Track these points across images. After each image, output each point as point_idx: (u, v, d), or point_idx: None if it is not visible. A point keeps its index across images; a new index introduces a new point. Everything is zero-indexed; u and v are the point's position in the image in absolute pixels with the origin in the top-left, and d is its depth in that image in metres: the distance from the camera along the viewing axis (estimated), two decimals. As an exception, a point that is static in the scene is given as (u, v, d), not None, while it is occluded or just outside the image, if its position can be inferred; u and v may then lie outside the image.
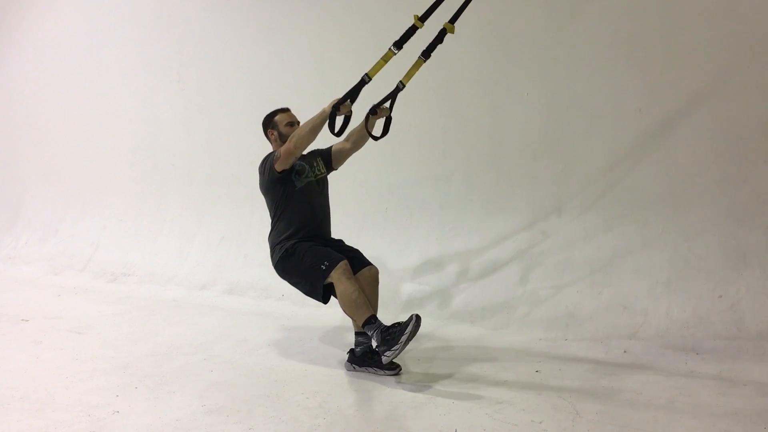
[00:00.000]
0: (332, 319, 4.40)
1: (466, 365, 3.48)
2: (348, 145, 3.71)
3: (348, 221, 4.64)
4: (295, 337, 4.18)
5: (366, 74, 3.36)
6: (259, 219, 5.56)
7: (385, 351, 3.21)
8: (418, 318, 3.18)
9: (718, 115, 3.75)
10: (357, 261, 3.57)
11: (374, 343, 3.27)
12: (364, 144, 3.71)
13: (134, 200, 6.53)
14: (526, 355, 3.59)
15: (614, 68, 4.04)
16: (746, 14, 3.65)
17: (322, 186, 3.71)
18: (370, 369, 3.41)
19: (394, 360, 3.29)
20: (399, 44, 3.34)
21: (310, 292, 3.56)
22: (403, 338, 3.14)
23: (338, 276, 3.36)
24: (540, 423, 2.70)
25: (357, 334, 3.50)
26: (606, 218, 4.06)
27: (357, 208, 4.89)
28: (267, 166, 3.56)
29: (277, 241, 3.61)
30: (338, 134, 3.46)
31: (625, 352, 3.51)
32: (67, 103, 7.17)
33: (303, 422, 2.84)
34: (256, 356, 3.81)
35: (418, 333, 3.23)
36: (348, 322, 3.76)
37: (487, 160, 4.52)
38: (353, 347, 3.52)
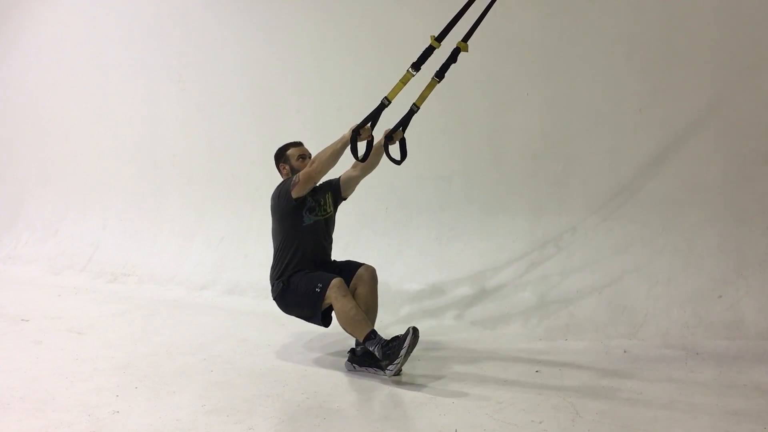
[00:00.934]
0: (332, 319, 4.40)
1: (466, 365, 3.48)
2: (356, 172, 3.70)
3: (348, 221, 4.63)
4: (295, 337, 4.18)
5: (385, 97, 3.33)
6: (259, 219, 5.55)
7: (388, 365, 3.25)
8: (415, 330, 3.22)
9: (719, 115, 3.75)
10: (350, 267, 3.59)
11: (377, 356, 3.30)
12: (372, 169, 3.69)
13: (134, 200, 6.53)
14: (526, 355, 3.59)
15: (615, 68, 4.04)
16: (746, 14, 3.65)
17: (329, 225, 3.70)
18: (370, 369, 3.41)
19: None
20: (417, 65, 3.33)
21: (311, 317, 3.56)
22: (403, 351, 3.20)
23: (334, 295, 3.36)
24: (540, 423, 2.70)
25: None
26: (606, 218, 4.06)
27: (357, 207, 4.88)
28: (282, 192, 3.55)
29: (275, 277, 3.63)
30: (363, 159, 3.45)
31: (625, 352, 3.51)
32: (67, 103, 7.17)
33: (303, 422, 2.84)
34: (256, 356, 3.81)
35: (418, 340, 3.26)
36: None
37: (487, 160, 4.52)
38: (353, 347, 3.52)
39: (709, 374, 3.14)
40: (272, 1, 5.52)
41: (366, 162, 3.56)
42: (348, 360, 3.52)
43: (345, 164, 3.57)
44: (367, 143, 3.43)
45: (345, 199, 3.78)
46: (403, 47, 4.71)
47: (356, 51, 4.98)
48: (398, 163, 3.50)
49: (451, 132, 4.66)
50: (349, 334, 3.45)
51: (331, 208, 3.69)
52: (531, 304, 4.06)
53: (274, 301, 3.68)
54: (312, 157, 3.52)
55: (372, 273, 3.58)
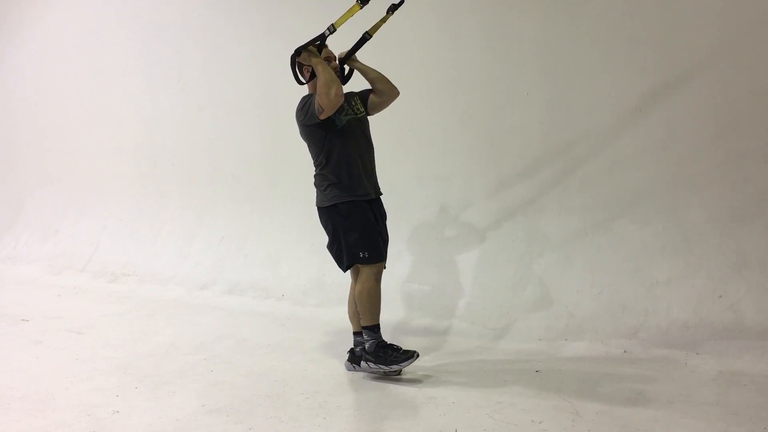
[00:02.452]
0: (332, 319, 4.40)
1: (466, 365, 3.48)
2: (375, 96, 3.55)
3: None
4: (295, 337, 4.18)
5: (332, 24, 3.43)
6: (259, 219, 5.57)
7: (370, 362, 3.29)
8: (417, 356, 3.27)
9: (719, 115, 3.75)
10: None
11: (366, 347, 3.33)
12: (389, 90, 3.52)
13: (134, 200, 6.53)
14: (526, 355, 3.59)
15: (614, 68, 4.04)
16: (746, 15, 3.65)
17: (364, 125, 3.53)
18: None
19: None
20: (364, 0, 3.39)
21: (335, 256, 3.47)
22: (394, 367, 3.26)
23: (371, 273, 3.34)
24: (540, 423, 2.70)
25: (356, 334, 3.51)
26: (606, 218, 4.06)
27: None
28: (309, 112, 3.36)
29: (327, 184, 3.42)
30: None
31: (625, 352, 3.52)
32: (67, 103, 7.17)
33: (303, 422, 2.84)
34: (256, 356, 3.81)
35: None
36: (348, 322, 3.76)
37: (487, 160, 4.52)
38: (353, 347, 3.53)
39: (709, 374, 3.15)
40: (272, 1, 5.52)
41: (380, 91, 3.50)
42: (348, 360, 3.52)
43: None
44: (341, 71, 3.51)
45: (371, 115, 3.61)
46: (403, 47, 4.72)
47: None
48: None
49: (451, 132, 4.66)
50: (359, 311, 3.39)
51: (362, 109, 3.54)
52: (531, 304, 4.06)
53: (315, 206, 3.52)
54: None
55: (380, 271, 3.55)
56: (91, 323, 4.68)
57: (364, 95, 3.59)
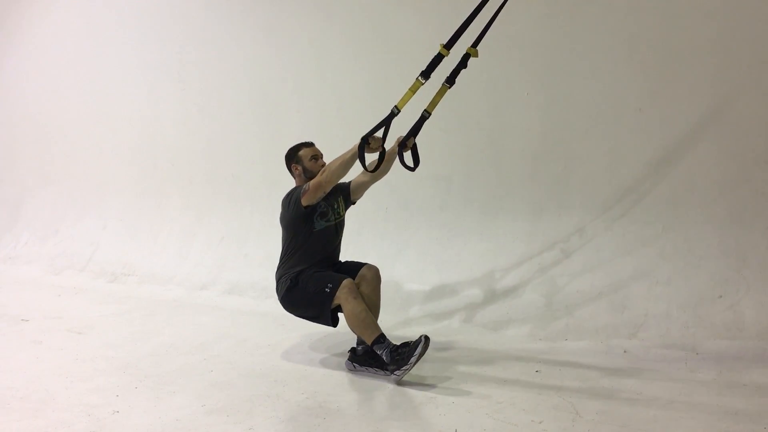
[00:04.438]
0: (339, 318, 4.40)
1: (466, 365, 3.48)
2: (367, 178, 3.67)
3: (348, 221, 4.64)
4: (295, 337, 4.18)
5: (395, 106, 3.29)
6: (259, 219, 5.57)
7: (395, 370, 3.24)
8: (426, 339, 3.21)
9: (719, 115, 3.75)
10: (354, 267, 3.60)
11: (383, 359, 3.29)
12: (383, 176, 3.66)
13: (134, 200, 6.53)
14: (526, 355, 3.59)
15: (614, 68, 4.04)
16: (746, 14, 3.65)
17: (339, 229, 3.70)
18: (370, 369, 3.41)
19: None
20: (426, 74, 3.30)
21: (318, 317, 3.53)
22: (413, 359, 3.19)
23: (344, 296, 3.35)
24: (540, 423, 2.70)
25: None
26: (606, 218, 4.06)
27: (357, 207, 4.87)
28: (293, 200, 3.52)
29: (282, 276, 3.61)
30: (373, 170, 3.46)
31: (625, 352, 3.51)
32: (67, 102, 7.17)
33: (303, 422, 2.84)
34: (256, 356, 3.81)
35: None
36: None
37: (487, 160, 4.52)
38: (355, 345, 3.52)
39: (709, 374, 3.15)
40: (272, 1, 5.52)
41: (376, 178, 3.62)
42: (348, 359, 3.52)
43: (355, 170, 3.57)
44: (380, 153, 3.39)
45: (354, 203, 3.78)
46: (403, 46, 4.72)
47: (356, 51, 4.98)
48: (412, 170, 3.46)
49: (451, 132, 4.65)
50: (358, 335, 3.44)
51: (343, 212, 3.70)
52: (531, 304, 4.06)
53: (279, 302, 3.66)
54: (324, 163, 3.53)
55: (375, 273, 3.59)
56: (91, 323, 4.68)
57: (345, 190, 3.71)
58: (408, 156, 3.47)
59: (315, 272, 3.51)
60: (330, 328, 3.63)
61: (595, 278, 3.97)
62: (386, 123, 3.31)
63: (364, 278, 3.54)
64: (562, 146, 4.23)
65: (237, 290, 5.25)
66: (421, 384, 3.22)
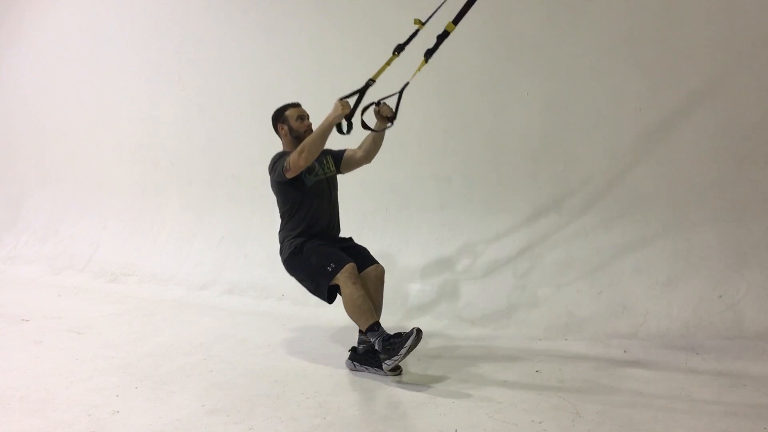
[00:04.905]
0: (332, 318, 4.40)
1: (466, 365, 3.48)
2: (359, 153, 3.68)
3: (348, 221, 4.64)
4: (295, 337, 4.18)
5: (370, 78, 3.39)
6: (259, 219, 5.57)
7: (386, 359, 3.26)
8: (419, 332, 3.22)
9: (718, 114, 3.75)
10: (363, 259, 3.58)
11: (376, 348, 3.31)
12: (375, 155, 3.68)
13: (134, 200, 6.53)
14: (526, 355, 3.59)
15: (614, 68, 4.04)
16: (746, 14, 3.65)
17: (332, 185, 3.68)
18: (370, 369, 3.41)
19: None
20: (400, 48, 3.39)
21: (314, 291, 3.55)
22: (403, 351, 3.20)
23: (344, 279, 3.35)
24: (540, 423, 2.70)
25: (361, 332, 3.50)
26: (606, 218, 4.06)
27: (357, 207, 4.89)
28: (278, 170, 3.50)
29: (286, 237, 3.61)
30: (347, 132, 3.45)
31: (625, 352, 3.51)
32: (67, 103, 7.17)
33: (303, 422, 2.84)
34: (256, 356, 3.81)
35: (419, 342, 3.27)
36: (349, 321, 3.76)
37: (488, 160, 4.52)
38: (356, 345, 3.53)
39: (709, 374, 3.14)
40: (272, 1, 5.52)
41: (368, 149, 3.62)
42: (349, 358, 3.52)
43: (353, 143, 3.62)
44: (349, 122, 3.46)
45: (342, 173, 3.76)
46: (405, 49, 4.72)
47: (356, 51, 4.98)
48: (374, 130, 3.50)
49: (451, 132, 4.65)
50: (354, 321, 3.43)
51: (333, 168, 3.68)
52: (531, 304, 4.06)
53: (282, 263, 3.64)
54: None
55: (380, 273, 3.58)
56: (91, 323, 4.68)
57: (338, 155, 3.71)
58: (373, 122, 3.52)
59: (320, 246, 3.49)
60: (330, 321, 3.62)
61: (595, 278, 3.97)
62: (361, 92, 3.43)
63: (368, 277, 3.53)
64: (562, 146, 4.23)
65: (237, 290, 5.25)
66: (421, 384, 3.22)
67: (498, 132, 4.47)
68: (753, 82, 3.65)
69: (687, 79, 3.84)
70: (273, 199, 5.74)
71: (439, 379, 3.27)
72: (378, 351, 3.30)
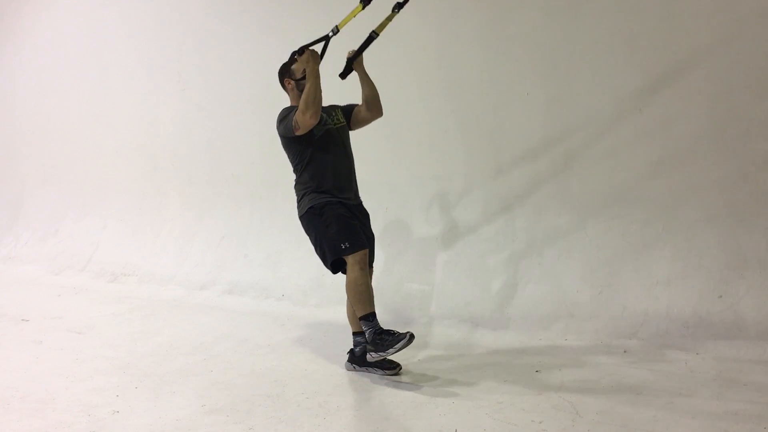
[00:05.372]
0: (332, 319, 4.40)
1: (466, 365, 3.48)
2: (363, 109, 3.61)
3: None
4: (295, 337, 4.18)
5: (335, 26, 3.47)
6: (259, 219, 5.57)
7: (372, 351, 3.27)
8: (411, 337, 3.21)
9: (718, 115, 3.75)
10: (369, 249, 3.53)
11: (366, 338, 3.32)
12: (376, 105, 3.59)
13: (134, 200, 6.53)
14: (526, 355, 3.59)
15: (614, 68, 4.04)
16: (746, 14, 3.65)
17: (343, 135, 3.57)
18: (370, 369, 3.42)
19: (392, 359, 3.34)
20: (366, 1, 3.44)
21: (320, 256, 3.50)
22: (390, 351, 3.20)
23: (354, 262, 3.33)
24: (540, 423, 2.70)
25: (355, 334, 3.51)
26: (606, 218, 4.06)
27: (357, 208, 4.89)
28: (287, 126, 3.41)
29: (304, 192, 3.50)
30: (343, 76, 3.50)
31: (625, 352, 3.51)
32: (67, 103, 7.17)
33: (303, 422, 2.84)
34: (256, 356, 3.81)
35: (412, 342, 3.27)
36: (347, 322, 3.76)
37: (487, 160, 4.51)
38: (353, 347, 3.53)
39: (709, 374, 3.14)
40: (272, 1, 5.52)
41: (366, 99, 3.58)
42: (348, 360, 3.52)
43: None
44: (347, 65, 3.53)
45: (351, 129, 3.67)
46: (402, 46, 4.72)
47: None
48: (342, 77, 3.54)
49: (451, 132, 4.65)
50: (351, 304, 3.42)
51: (343, 119, 3.59)
52: (531, 304, 4.06)
53: (299, 218, 3.56)
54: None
55: (370, 277, 3.54)
56: (91, 323, 4.68)
57: (347, 109, 3.65)
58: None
59: (343, 217, 3.40)
60: (330, 321, 3.62)
61: (595, 278, 3.97)
62: (326, 39, 3.49)
63: None
64: (562, 146, 4.23)
65: (237, 290, 5.25)
66: (421, 384, 3.22)
67: (498, 132, 4.47)
68: (753, 81, 3.65)
69: (687, 79, 3.83)
70: (273, 199, 5.76)
71: (439, 379, 3.27)
72: (368, 341, 3.30)
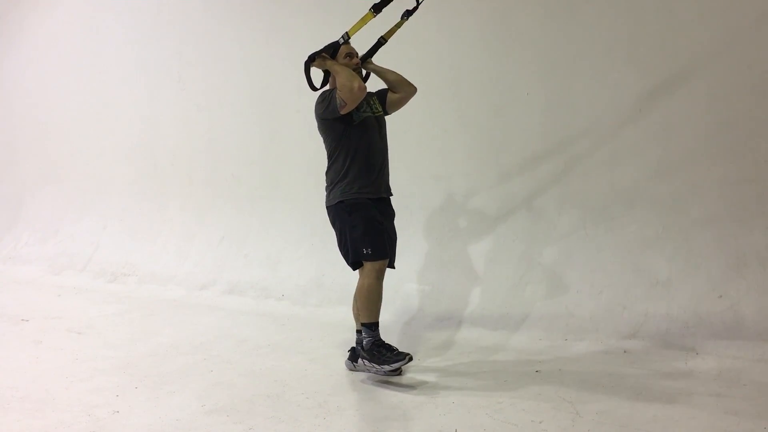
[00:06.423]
0: (332, 319, 4.40)
1: (466, 365, 3.48)
2: (395, 95, 3.59)
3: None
4: (295, 337, 4.18)
5: (346, 32, 3.46)
6: (259, 219, 5.57)
7: (366, 360, 3.29)
8: (410, 359, 3.24)
9: (718, 114, 3.75)
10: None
11: (363, 344, 3.33)
12: (403, 86, 3.57)
13: (134, 200, 6.53)
14: (526, 355, 3.59)
15: (614, 68, 4.04)
16: (746, 14, 3.65)
17: (381, 124, 3.54)
18: (370, 369, 3.41)
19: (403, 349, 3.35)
20: (377, 8, 3.44)
21: (343, 253, 3.48)
22: (386, 367, 3.24)
23: (372, 269, 3.33)
24: (540, 423, 2.70)
25: (358, 331, 3.50)
26: (606, 218, 4.06)
27: (357, 208, 4.89)
28: (331, 106, 3.36)
29: (336, 180, 3.45)
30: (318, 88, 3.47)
31: (625, 352, 3.52)
32: (67, 103, 7.17)
33: (303, 422, 2.84)
34: (256, 356, 3.81)
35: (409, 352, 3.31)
36: (348, 321, 3.76)
37: (487, 159, 4.52)
38: (353, 346, 3.52)
39: (709, 374, 3.15)
40: (272, 2, 5.52)
41: (392, 84, 3.57)
42: (348, 359, 3.52)
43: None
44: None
45: (389, 113, 3.65)
46: (402, 47, 4.71)
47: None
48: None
49: (451, 132, 4.66)
50: (357, 308, 3.42)
51: (380, 108, 3.56)
52: (530, 304, 4.06)
53: (326, 207, 3.52)
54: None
55: None
56: (91, 323, 4.68)
57: (382, 94, 3.62)
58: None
59: (371, 219, 3.36)
60: (330, 321, 3.60)
61: (595, 278, 3.97)
62: (335, 46, 3.46)
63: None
64: (562, 146, 4.23)
65: (237, 290, 5.25)
66: (421, 384, 3.22)
67: (498, 132, 4.47)
68: (753, 81, 3.65)
69: (687, 79, 3.84)
70: (273, 199, 5.76)
71: (439, 379, 3.27)
72: (364, 348, 3.31)
